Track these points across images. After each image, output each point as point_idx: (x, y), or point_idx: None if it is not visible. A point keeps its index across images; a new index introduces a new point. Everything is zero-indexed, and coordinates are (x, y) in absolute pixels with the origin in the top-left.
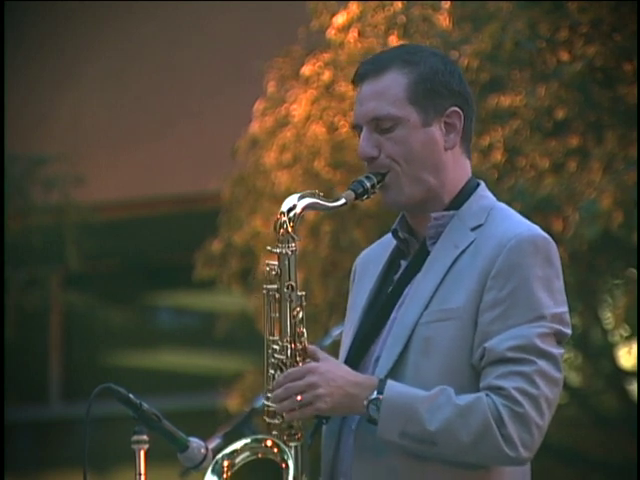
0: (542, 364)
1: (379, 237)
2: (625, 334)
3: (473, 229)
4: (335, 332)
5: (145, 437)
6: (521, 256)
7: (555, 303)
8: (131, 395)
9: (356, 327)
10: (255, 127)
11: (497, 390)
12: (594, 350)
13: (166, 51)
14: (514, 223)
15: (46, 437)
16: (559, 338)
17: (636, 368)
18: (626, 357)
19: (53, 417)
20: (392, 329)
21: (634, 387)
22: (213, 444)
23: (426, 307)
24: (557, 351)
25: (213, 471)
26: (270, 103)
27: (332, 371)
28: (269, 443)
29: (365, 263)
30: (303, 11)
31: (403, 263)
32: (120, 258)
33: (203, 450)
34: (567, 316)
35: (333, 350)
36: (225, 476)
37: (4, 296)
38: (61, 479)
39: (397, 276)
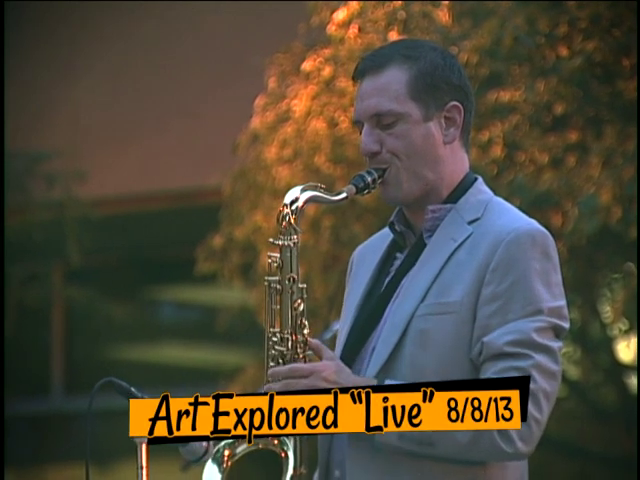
0: (539, 358)
1: (379, 231)
2: (624, 328)
3: (470, 222)
4: (335, 326)
5: None
6: (519, 250)
7: (553, 297)
8: (133, 389)
9: (353, 319)
10: (256, 122)
11: None
12: (593, 344)
13: (167, 46)
14: (512, 217)
15: (48, 430)
16: (557, 332)
17: (635, 362)
18: (625, 351)
19: (55, 410)
20: (388, 320)
21: (633, 380)
22: None
23: (423, 299)
24: (555, 344)
25: (214, 460)
26: (271, 99)
27: (335, 372)
28: None
29: (362, 256)
30: (303, 7)
31: (399, 256)
32: (121, 253)
33: (204, 444)
34: (565, 310)
35: (333, 344)
36: (225, 465)
37: (4, 291)
38: (62, 472)
39: (393, 268)
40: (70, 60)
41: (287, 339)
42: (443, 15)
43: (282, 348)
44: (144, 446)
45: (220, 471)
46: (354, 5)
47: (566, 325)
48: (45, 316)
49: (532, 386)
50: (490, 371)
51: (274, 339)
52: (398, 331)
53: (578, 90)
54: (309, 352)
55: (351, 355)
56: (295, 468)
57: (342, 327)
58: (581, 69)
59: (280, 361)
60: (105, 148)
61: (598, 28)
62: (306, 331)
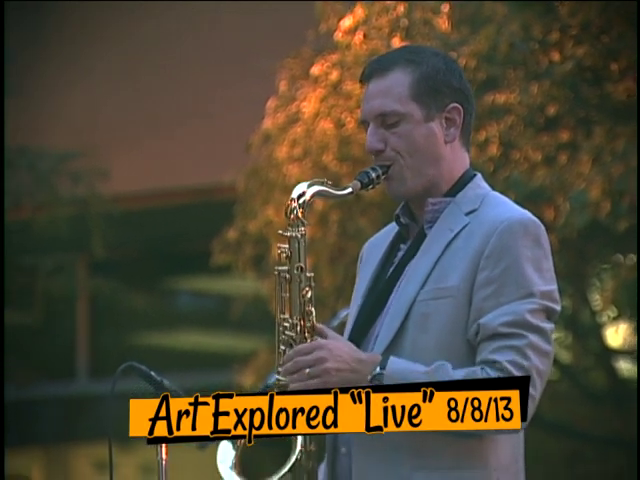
0: (533, 338)
1: (384, 225)
2: (612, 315)
3: (467, 214)
4: (342, 314)
5: None
6: (512, 238)
7: (544, 281)
8: (152, 372)
9: (360, 306)
10: (268, 123)
11: (492, 364)
12: (583, 330)
13: (183, 46)
14: (506, 208)
15: (74, 412)
16: (548, 314)
17: (622, 347)
18: (613, 336)
19: (80, 393)
20: (392, 306)
21: (621, 365)
22: None
23: (423, 286)
24: (547, 325)
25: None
26: (282, 101)
27: (339, 347)
28: None
29: (370, 249)
30: (312, 14)
31: (403, 247)
32: (142, 246)
33: None
34: (556, 294)
35: (340, 331)
36: (239, 443)
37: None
38: (87, 450)
39: (397, 258)
40: (82, 59)
41: (296, 325)
42: (443, 22)
43: (292, 333)
44: None
45: (234, 448)
46: (359, 13)
47: (557, 308)
48: (71, 305)
49: (526, 364)
50: (487, 350)
51: (285, 324)
52: (400, 316)
53: (569, 92)
54: (316, 337)
55: (358, 339)
56: (303, 445)
57: (351, 314)
58: (572, 73)
59: (289, 345)
60: (126, 147)
61: (588, 34)
62: (313, 317)
